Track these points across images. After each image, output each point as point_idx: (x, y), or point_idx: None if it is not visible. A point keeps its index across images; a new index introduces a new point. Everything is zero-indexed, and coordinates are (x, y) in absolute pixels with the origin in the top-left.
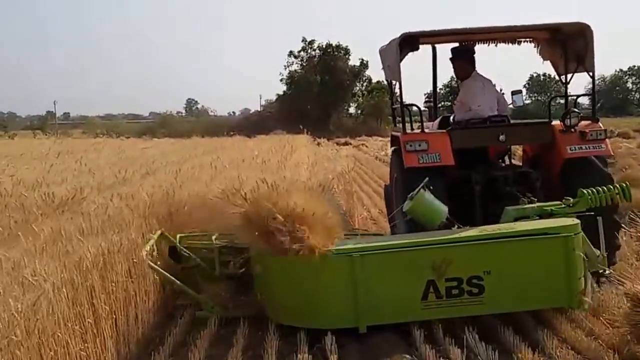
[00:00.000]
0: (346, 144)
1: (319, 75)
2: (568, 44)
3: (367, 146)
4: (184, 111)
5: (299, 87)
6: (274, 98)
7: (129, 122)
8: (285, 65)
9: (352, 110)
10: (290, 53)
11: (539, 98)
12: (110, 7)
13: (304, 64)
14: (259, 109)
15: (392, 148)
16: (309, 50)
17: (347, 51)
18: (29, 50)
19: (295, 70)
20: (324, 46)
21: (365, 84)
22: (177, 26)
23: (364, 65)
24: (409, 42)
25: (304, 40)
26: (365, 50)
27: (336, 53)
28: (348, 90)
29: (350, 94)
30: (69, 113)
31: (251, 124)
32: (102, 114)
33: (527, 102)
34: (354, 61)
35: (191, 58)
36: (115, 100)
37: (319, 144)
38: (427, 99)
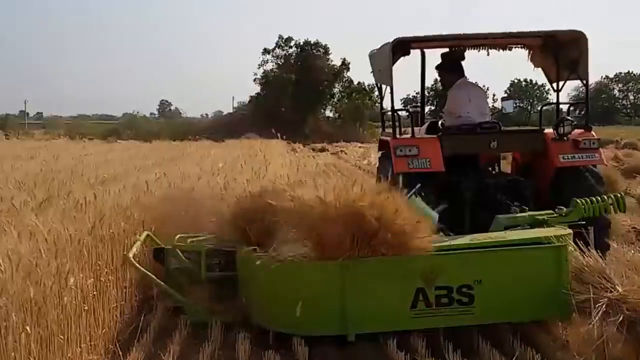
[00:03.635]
0: (323, 150)
1: (295, 74)
2: (561, 51)
3: (346, 153)
4: (157, 112)
5: (274, 87)
6: (248, 100)
7: (94, 123)
8: (259, 64)
9: (329, 113)
10: (265, 50)
11: (521, 105)
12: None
13: (280, 63)
14: (232, 111)
15: (380, 152)
16: (285, 48)
17: (326, 50)
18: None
19: (270, 70)
20: (301, 43)
21: (345, 85)
22: (150, 25)
23: (345, 65)
24: (400, 47)
25: (280, 37)
26: (347, 50)
27: (315, 51)
28: (326, 92)
29: (328, 96)
30: (42, 113)
31: (222, 127)
32: (75, 114)
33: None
34: (335, 61)
35: (166, 58)
36: (92, 101)
37: (294, 149)
38: (412, 104)
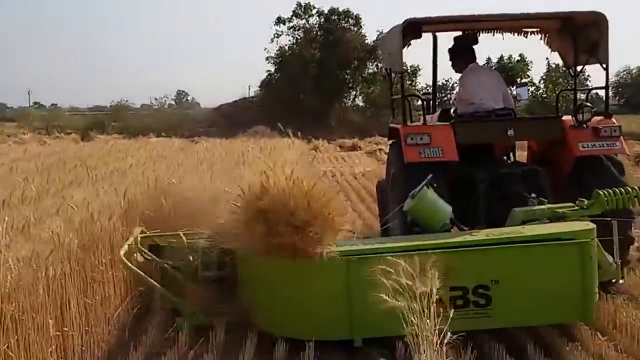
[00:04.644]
0: (354, 148)
1: (317, 51)
2: (580, 34)
3: (386, 152)
4: (174, 103)
5: (291, 67)
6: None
7: (79, 115)
8: (272, 38)
9: (360, 101)
10: (278, 20)
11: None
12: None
13: (298, 37)
14: (237, 99)
15: (390, 141)
16: (305, 17)
17: (357, 20)
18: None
19: (292, 46)
20: (325, 12)
21: (380, 65)
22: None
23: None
24: (412, 29)
25: (298, 4)
26: (383, 21)
27: (343, 22)
28: (357, 74)
29: (359, 78)
30: (44, 105)
31: (224, 119)
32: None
33: None
34: (369, 34)
35: (186, 47)
36: (102, 91)
37: (316, 148)
38: (424, 92)
